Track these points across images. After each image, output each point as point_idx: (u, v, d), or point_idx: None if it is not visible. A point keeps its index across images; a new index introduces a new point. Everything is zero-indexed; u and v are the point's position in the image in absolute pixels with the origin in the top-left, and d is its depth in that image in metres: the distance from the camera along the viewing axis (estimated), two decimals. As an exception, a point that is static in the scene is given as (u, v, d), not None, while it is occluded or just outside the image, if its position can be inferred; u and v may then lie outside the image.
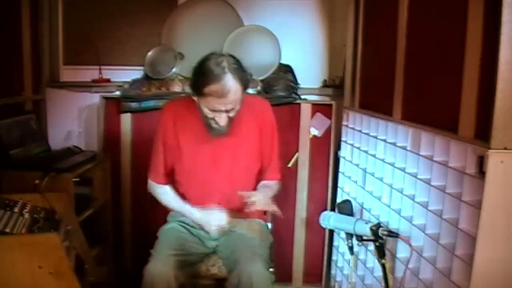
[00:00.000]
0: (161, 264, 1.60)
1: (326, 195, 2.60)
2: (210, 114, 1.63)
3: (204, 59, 1.63)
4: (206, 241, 1.82)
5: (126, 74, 2.72)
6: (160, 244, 1.72)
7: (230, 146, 1.77)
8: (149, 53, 2.71)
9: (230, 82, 1.56)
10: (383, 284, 1.60)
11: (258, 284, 1.55)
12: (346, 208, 1.96)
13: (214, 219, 1.73)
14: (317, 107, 2.56)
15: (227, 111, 1.61)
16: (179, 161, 1.81)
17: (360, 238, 1.66)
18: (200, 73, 1.60)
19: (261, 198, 1.67)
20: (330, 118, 2.55)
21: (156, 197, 1.88)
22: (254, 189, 1.83)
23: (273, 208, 1.67)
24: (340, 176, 2.47)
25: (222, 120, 1.63)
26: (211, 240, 1.82)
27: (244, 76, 1.61)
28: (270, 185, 1.86)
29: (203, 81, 1.58)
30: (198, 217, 1.78)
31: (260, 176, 1.88)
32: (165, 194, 1.86)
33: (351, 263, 2.11)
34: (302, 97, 2.60)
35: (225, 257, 1.79)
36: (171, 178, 1.88)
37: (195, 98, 1.66)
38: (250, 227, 1.80)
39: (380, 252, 1.58)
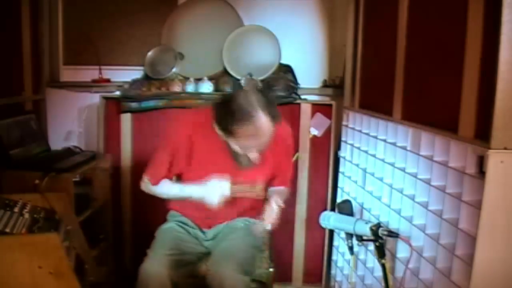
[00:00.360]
0: (155, 263, 1.60)
1: (326, 195, 2.60)
2: (240, 151, 1.61)
3: (230, 97, 1.56)
4: (203, 241, 1.83)
5: (126, 74, 2.72)
6: (156, 244, 1.73)
7: (248, 170, 1.73)
8: (149, 53, 2.71)
9: (263, 120, 1.50)
10: (383, 284, 1.60)
11: (227, 287, 1.54)
12: (346, 208, 1.95)
13: (217, 188, 1.66)
14: (317, 107, 2.56)
15: (258, 147, 1.59)
16: (187, 170, 1.78)
17: (360, 238, 1.66)
18: (229, 112, 1.52)
19: (271, 216, 1.67)
20: (330, 118, 2.55)
21: (151, 192, 1.83)
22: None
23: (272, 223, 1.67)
24: (340, 176, 2.47)
25: (253, 155, 1.61)
26: (208, 240, 1.83)
27: (275, 112, 1.54)
28: (279, 191, 1.82)
29: (233, 121, 1.51)
30: (200, 191, 1.69)
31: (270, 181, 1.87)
32: (160, 187, 1.80)
33: (351, 263, 2.11)
34: (302, 97, 2.60)
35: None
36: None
37: (220, 133, 1.61)
38: (255, 194, 1.79)
39: (380, 252, 1.58)
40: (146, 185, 1.82)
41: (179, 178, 1.84)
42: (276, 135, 1.64)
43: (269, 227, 1.67)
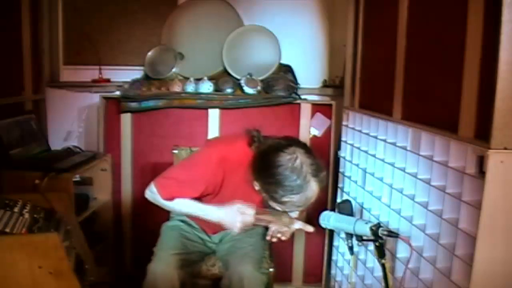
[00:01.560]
0: (164, 263, 1.59)
1: (326, 195, 2.60)
2: (281, 209, 1.52)
3: (276, 163, 1.44)
4: (207, 241, 1.83)
5: (126, 74, 2.72)
6: (163, 243, 1.72)
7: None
8: (149, 53, 2.71)
9: (314, 189, 1.44)
10: (383, 284, 1.60)
11: (249, 285, 1.55)
12: (346, 208, 1.94)
13: (240, 214, 1.56)
14: (317, 107, 2.56)
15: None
16: (208, 198, 1.67)
17: (360, 238, 1.66)
18: (275, 179, 1.43)
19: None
20: (330, 118, 2.55)
21: (156, 202, 1.66)
22: None
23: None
24: (340, 176, 2.47)
25: (295, 214, 1.56)
26: (212, 241, 1.83)
27: (324, 175, 1.48)
28: None
29: (279, 189, 1.43)
30: (221, 214, 1.59)
31: None
32: (176, 204, 1.65)
33: (351, 263, 2.10)
34: (302, 97, 2.60)
35: (221, 258, 1.79)
36: None
37: (260, 191, 1.52)
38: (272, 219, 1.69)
39: (380, 252, 1.57)
40: (153, 195, 1.64)
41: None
42: None
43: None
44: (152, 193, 1.64)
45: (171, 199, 1.63)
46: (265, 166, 1.47)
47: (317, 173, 1.44)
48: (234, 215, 1.56)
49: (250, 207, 1.58)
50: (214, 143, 1.74)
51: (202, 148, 1.70)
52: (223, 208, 1.58)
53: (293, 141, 1.53)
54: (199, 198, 1.66)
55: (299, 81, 2.61)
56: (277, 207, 1.51)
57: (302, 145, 1.50)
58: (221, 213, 1.59)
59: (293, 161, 1.43)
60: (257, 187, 1.53)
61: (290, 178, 1.41)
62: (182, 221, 1.83)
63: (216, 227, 1.77)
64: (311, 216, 2.57)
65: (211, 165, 1.58)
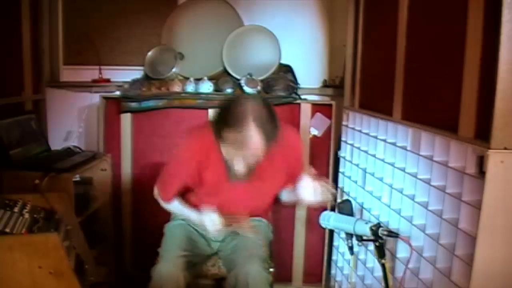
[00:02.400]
0: (170, 265, 1.59)
1: (326, 195, 2.60)
2: (227, 157, 1.54)
3: (231, 100, 1.50)
4: (211, 242, 1.83)
5: (126, 74, 2.72)
6: (168, 244, 1.72)
7: (258, 182, 1.68)
8: (149, 53, 2.71)
9: (252, 134, 1.42)
10: (383, 284, 1.60)
11: (255, 284, 1.55)
12: (346, 208, 1.95)
13: (208, 221, 1.65)
14: (317, 107, 2.56)
15: (246, 161, 1.51)
16: (197, 186, 1.74)
17: (360, 238, 1.66)
18: (223, 115, 1.47)
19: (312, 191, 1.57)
20: (330, 118, 2.55)
21: (161, 204, 1.83)
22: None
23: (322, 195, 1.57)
24: (340, 176, 2.47)
25: (239, 166, 1.52)
26: (215, 241, 1.82)
27: (271, 131, 1.44)
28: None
29: (224, 124, 1.45)
30: (196, 220, 1.73)
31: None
32: (171, 206, 1.81)
33: (351, 263, 2.11)
34: (302, 97, 2.59)
35: (224, 257, 1.79)
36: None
37: (214, 134, 1.55)
38: (250, 227, 1.75)
39: (380, 252, 1.58)
40: (158, 199, 1.83)
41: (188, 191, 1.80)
42: (283, 144, 1.54)
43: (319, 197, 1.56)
44: (157, 199, 1.82)
45: (172, 200, 1.77)
46: (221, 105, 1.53)
47: (264, 124, 1.42)
48: (207, 222, 1.65)
49: (217, 215, 1.65)
50: (186, 136, 1.76)
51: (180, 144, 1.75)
52: (198, 214, 1.70)
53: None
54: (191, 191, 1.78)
55: (299, 81, 2.61)
56: (224, 151, 1.52)
57: (266, 104, 1.49)
58: (195, 218, 1.72)
59: (244, 102, 1.46)
60: (213, 133, 1.53)
61: (235, 114, 1.43)
62: (185, 220, 1.83)
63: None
64: (311, 216, 2.59)
65: (194, 155, 1.65)
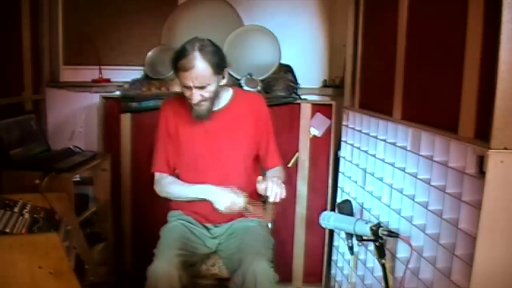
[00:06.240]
0: (165, 264, 1.58)
1: (326, 195, 2.60)
2: (185, 92, 1.69)
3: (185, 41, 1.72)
4: (208, 241, 1.82)
5: (126, 74, 2.72)
6: (164, 244, 1.71)
7: (227, 137, 1.80)
8: (149, 53, 2.71)
9: (196, 59, 1.63)
10: (383, 284, 1.60)
11: (263, 282, 1.55)
12: (346, 208, 1.95)
13: (231, 199, 1.68)
14: (317, 107, 2.56)
15: (196, 88, 1.65)
16: (179, 154, 1.84)
17: (360, 238, 1.66)
18: (176, 50, 1.69)
19: (273, 185, 1.64)
20: (330, 118, 2.55)
21: (164, 191, 1.83)
22: (256, 177, 1.80)
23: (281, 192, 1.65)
24: (340, 176, 2.47)
25: (194, 97, 1.66)
26: (212, 239, 1.82)
27: (214, 59, 1.65)
28: (275, 173, 1.86)
29: (175, 56, 1.67)
30: (216, 191, 1.72)
31: (262, 165, 1.91)
32: (173, 182, 1.84)
33: (351, 263, 2.11)
34: (302, 97, 2.60)
35: (226, 257, 1.78)
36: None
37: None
38: (261, 212, 1.74)
39: (380, 252, 1.58)
40: (159, 183, 1.85)
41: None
42: (247, 100, 1.84)
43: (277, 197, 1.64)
44: (156, 181, 1.86)
45: (168, 172, 1.85)
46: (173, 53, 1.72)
47: (207, 52, 1.65)
48: (227, 194, 1.70)
49: (243, 195, 1.69)
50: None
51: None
52: (219, 188, 1.73)
53: None
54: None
55: (299, 81, 2.61)
56: (181, 87, 1.70)
57: (213, 44, 1.72)
58: (214, 193, 1.73)
59: (194, 39, 1.71)
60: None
61: (183, 45, 1.68)
62: (181, 222, 1.83)
63: (219, 217, 1.78)
64: (312, 216, 2.59)
65: (168, 121, 1.83)
